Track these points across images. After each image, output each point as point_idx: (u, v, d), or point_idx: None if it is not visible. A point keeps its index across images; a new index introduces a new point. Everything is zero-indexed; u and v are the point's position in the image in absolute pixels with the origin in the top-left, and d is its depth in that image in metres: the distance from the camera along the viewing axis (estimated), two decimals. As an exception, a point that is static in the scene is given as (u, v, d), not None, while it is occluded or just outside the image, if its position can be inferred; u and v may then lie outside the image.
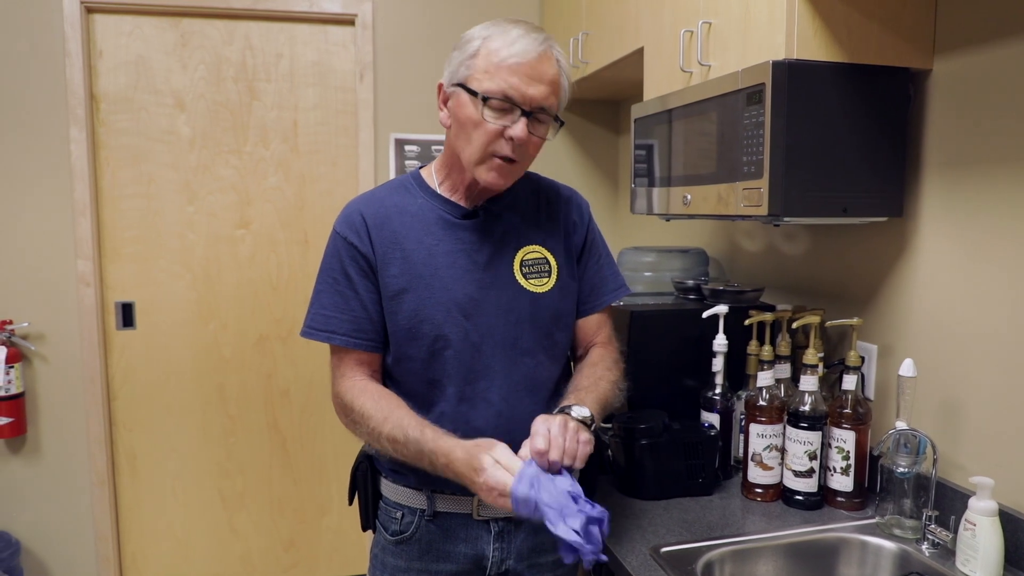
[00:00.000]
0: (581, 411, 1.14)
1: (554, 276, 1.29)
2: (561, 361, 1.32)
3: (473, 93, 1.15)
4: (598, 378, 1.27)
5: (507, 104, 1.14)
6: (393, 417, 1.16)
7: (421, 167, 1.34)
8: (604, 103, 2.96)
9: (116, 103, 2.60)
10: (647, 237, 2.74)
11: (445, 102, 1.23)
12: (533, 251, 1.29)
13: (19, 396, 2.55)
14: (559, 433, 1.06)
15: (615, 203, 3.05)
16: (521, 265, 1.27)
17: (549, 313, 1.28)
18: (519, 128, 1.15)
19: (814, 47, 1.35)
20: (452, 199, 1.27)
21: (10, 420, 2.53)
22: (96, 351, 2.62)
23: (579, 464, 1.09)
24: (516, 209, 1.31)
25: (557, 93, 1.19)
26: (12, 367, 2.50)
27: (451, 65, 1.20)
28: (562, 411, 1.13)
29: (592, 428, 1.13)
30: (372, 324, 1.23)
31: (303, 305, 1.28)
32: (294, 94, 2.74)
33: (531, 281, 1.27)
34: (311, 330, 1.24)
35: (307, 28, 2.73)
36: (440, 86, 1.23)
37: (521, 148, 1.18)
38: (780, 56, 1.35)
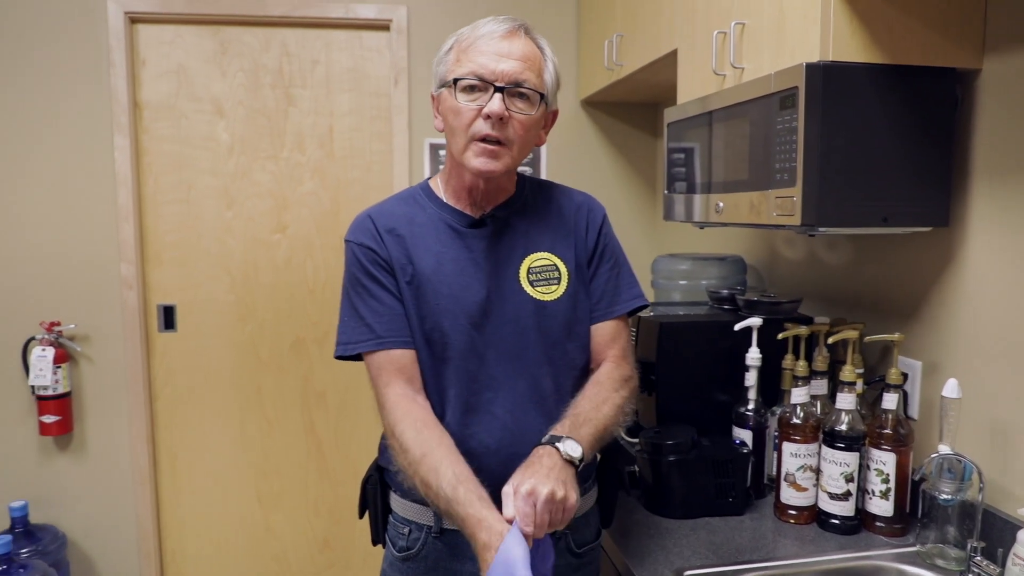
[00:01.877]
0: (571, 449, 1.07)
1: (564, 284, 1.25)
2: (573, 373, 1.27)
3: (448, 84, 1.17)
4: (601, 401, 1.19)
5: (478, 82, 1.14)
6: (430, 458, 1.09)
7: (429, 178, 1.33)
8: (642, 106, 2.89)
9: (158, 111, 2.65)
10: (686, 243, 2.67)
11: (438, 108, 1.23)
12: (541, 258, 1.25)
13: (66, 395, 2.62)
14: (543, 510, 0.99)
15: (654, 208, 2.98)
16: (528, 272, 1.24)
17: (558, 322, 1.24)
18: (494, 103, 1.13)
19: (851, 48, 1.28)
20: (458, 207, 1.25)
21: (58, 418, 2.60)
22: (139, 352, 2.68)
23: (562, 527, 1.03)
24: (525, 215, 1.28)
25: (536, 69, 1.18)
26: (59, 367, 2.58)
27: (435, 70, 1.22)
28: (552, 442, 1.08)
29: (580, 465, 1.08)
30: (405, 321, 1.21)
31: (338, 308, 1.26)
32: (330, 100, 2.76)
33: (538, 289, 1.23)
34: (343, 346, 1.22)
35: (343, 34, 2.74)
36: (432, 96, 1.24)
37: (502, 126, 1.15)
38: (815, 58, 1.28)
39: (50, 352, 2.54)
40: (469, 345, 1.20)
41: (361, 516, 1.35)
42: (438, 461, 1.08)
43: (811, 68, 1.26)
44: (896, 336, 1.42)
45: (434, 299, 1.20)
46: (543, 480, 1.01)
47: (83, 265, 2.63)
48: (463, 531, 1.04)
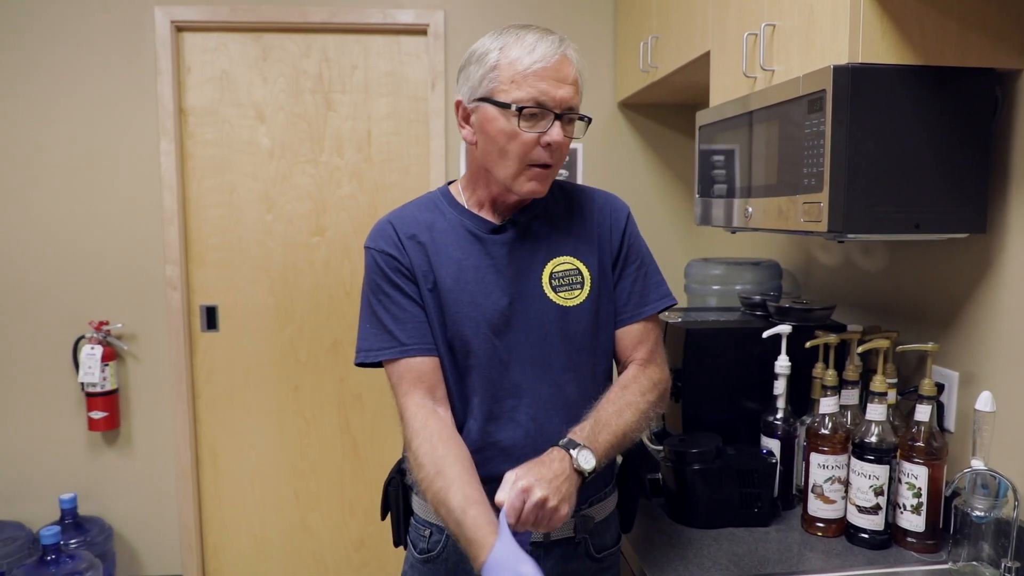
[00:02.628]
0: (585, 460, 1.07)
1: (587, 288, 1.24)
2: (597, 379, 1.26)
3: (503, 105, 1.13)
4: (625, 406, 1.18)
5: (539, 110, 1.13)
6: (443, 477, 1.09)
7: (450, 183, 1.32)
8: (679, 107, 2.86)
9: (202, 116, 2.73)
10: (724, 248, 2.63)
11: (466, 119, 1.21)
12: (563, 262, 1.24)
13: (113, 392, 2.72)
14: (531, 511, 1.00)
15: (691, 212, 2.94)
16: (550, 278, 1.23)
17: (581, 327, 1.23)
18: (556, 132, 1.13)
19: (882, 49, 1.24)
20: (480, 214, 1.25)
21: (105, 414, 2.70)
22: (182, 351, 2.76)
23: (543, 531, 1.04)
24: (546, 219, 1.27)
25: (580, 91, 1.18)
26: (107, 365, 2.67)
27: (470, 80, 1.18)
28: (568, 447, 1.08)
29: (589, 475, 1.08)
30: (428, 328, 1.21)
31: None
32: (368, 104, 2.80)
33: (561, 294, 1.22)
34: (364, 353, 1.23)
35: (381, 39, 2.77)
36: (458, 104, 1.21)
37: (557, 152, 1.16)
38: (843, 60, 1.25)
39: (98, 350, 2.63)
40: (491, 353, 1.20)
41: (384, 518, 1.36)
42: (451, 481, 1.08)
43: (839, 70, 1.23)
44: (930, 346, 1.37)
45: (455, 307, 1.20)
46: (543, 484, 1.01)
47: (130, 266, 2.72)
48: (468, 552, 1.04)
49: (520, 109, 1.12)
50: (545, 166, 1.17)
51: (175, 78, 2.67)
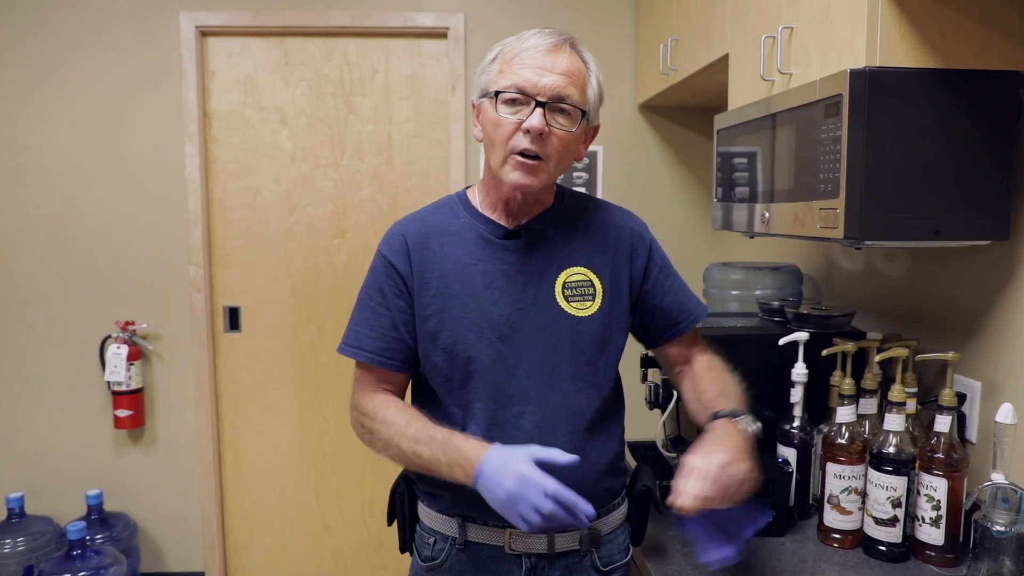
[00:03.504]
0: (748, 423, 1.17)
1: (599, 300, 1.24)
2: (604, 390, 1.26)
3: (490, 95, 1.16)
4: (727, 382, 1.28)
5: (520, 95, 1.13)
6: (419, 420, 1.18)
7: (468, 187, 1.32)
8: (701, 110, 2.83)
9: (226, 120, 2.77)
10: (746, 252, 2.60)
11: (478, 117, 1.23)
12: (577, 273, 1.24)
13: (138, 391, 2.77)
14: (736, 485, 1.05)
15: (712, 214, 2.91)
16: (563, 287, 1.22)
17: (592, 338, 1.23)
18: (535, 118, 1.12)
19: (900, 53, 1.22)
20: (493, 218, 1.25)
21: (130, 412, 2.75)
22: (205, 351, 2.80)
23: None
24: (561, 228, 1.26)
25: (579, 85, 1.16)
26: (133, 364, 2.72)
27: (477, 80, 1.22)
28: (731, 416, 1.16)
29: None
30: (401, 344, 1.23)
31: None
32: (389, 107, 2.81)
33: (573, 304, 1.22)
34: (344, 346, 1.26)
35: (402, 43, 2.79)
36: (473, 104, 1.24)
37: (542, 142, 1.14)
38: (860, 63, 1.23)
39: (124, 350, 2.68)
40: (495, 358, 1.20)
41: (390, 524, 1.37)
42: (427, 422, 1.17)
43: (855, 74, 1.21)
44: (950, 355, 1.34)
45: (460, 311, 1.20)
46: (741, 456, 1.08)
47: (155, 267, 2.77)
48: (455, 472, 1.10)
49: (497, 93, 1.14)
50: (532, 156, 1.15)
51: (200, 82, 2.70)
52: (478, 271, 1.21)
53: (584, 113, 1.18)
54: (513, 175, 1.16)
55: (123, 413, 2.74)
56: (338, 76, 2.78)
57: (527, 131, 1.13)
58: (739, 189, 1.69)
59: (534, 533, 1.14)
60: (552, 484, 1.02)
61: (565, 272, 1.24)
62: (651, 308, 1.31)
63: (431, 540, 1.27)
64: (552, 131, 1.14)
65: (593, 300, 1.24)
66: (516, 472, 1.03)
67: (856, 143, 1.22)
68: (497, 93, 1.14)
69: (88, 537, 2.50)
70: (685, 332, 1.34)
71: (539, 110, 1.13)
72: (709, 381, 1.29)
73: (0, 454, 2.80)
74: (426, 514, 1.29)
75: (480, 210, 1.27)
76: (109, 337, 2.75)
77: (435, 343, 1.21)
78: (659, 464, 1.73)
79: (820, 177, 1.30)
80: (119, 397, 2.73)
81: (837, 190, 1.25)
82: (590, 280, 1.24)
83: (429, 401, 1.27)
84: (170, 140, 2.71)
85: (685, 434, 1.75)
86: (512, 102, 1.14)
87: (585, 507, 1.04)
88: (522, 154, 1.15)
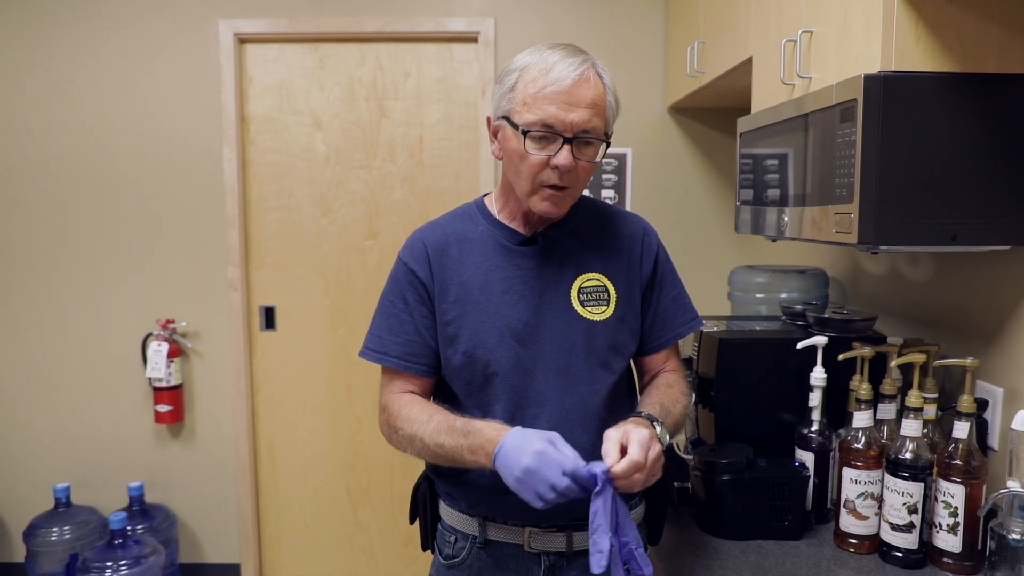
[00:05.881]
0: (663, 435, 1.16)
1: (613, 304, 1.26)
2: (617, 392, 1.29)
3: (515, 126, 1.16)
4: (675, 400, 1.28)
5: (548, 133, 1.14)
6: (441, 413, 1.21)
7: (486, 195, 1.35)
8: (729, 111, 2.81)
9: (263, 124, 2.85)
10: (773, 255, 2.59)
11: (495, 134, 1.24)
12: (592, 278, 1.27)
13: (178, 387, 2.87)
14: (654, 461, 1.08)
15: (743, 215, 2.90)
16: (579, 292, 1.25)
17: (606, 342, 1.25)
18: (563, 156, 1.14)
19: (916, 57, 1.21)
20: (511, 226, 1.28)
21: (170, 408, 2.85)
22: (242, 349, 2.89)
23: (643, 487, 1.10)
24: (577, 235, 1.29)
25: (601, 114, 1.17)
26: (173, 361, 2.82)
27: (495, 98, 1.22)
28: (651, 419, 1.16)
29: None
30: (425, 349, 1.26)
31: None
32: (420, 111, 2.86)
33: (588, 309, 1.25)
34: (367, 351, 1.30)
35: (433, 47, 2.83)
36: (488, 119, 1.25)
37: (569, 175, 1.16)
38: (875, 68, 1.22)
39: (164, 347, 2.78)
40: (514, 361, 1.22)
41: (412, 522, 1.41)
42: (448, 413, 1.20)
43: (869, 79, 1.20)
44: (969, 361, 1.33)
45: (480, 316, 1.23)
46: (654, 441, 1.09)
47: (194, 267, 2.86)
48: (478, 457, 1.11)
49: (526, 132, 1.14)
50: (558, 188, 1.17)
51: (237, 88, 2.79)
52: (497, 277, 1.24)
53: (606, 140, 1.20)
54: (543, 205, 1.19)
55: (163, 408, 2.84)
56: (371, 80, 2.84)
57: (555, 168, 1.15)
58: (760, 192, 1.69)
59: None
60: (570, 463, 1.03)
61: (581, 277, 1.27)
62: (644, 316, 1.34)
63: (452, 539, 1.30)
64: (577, 164, 1.16)
65: (607, 305, 1.26)
66: (535, 449, 1.04)
67: (870, 148, 1.21)
68: (526, 132, 1.14)
69: (129, 527, 2.60)
70: (659, 350, 1.36)
71: (566, 147, 1.14)
72: (657, 391, 1.30)
73: (48, 446, 2.93)
74: (447, 513, 1.32)
75: (498, 218, 1.30)
76: (151, 335, 2.85)
77: (455, 347, 1.24)
78: (677, 465, 1.74)
79: (836, 182, 1.30)
80: (160, 393, 2.83)
81: (852, 195, 1.25)
82: (604, 285, 1.27)
83: (450, 404, 1.31)
84: (209, 144, 2.80)
85: (704, 436, 1.76)
86: (539, 138, 1.15)
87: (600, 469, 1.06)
88: (550, 187, 1.18)
